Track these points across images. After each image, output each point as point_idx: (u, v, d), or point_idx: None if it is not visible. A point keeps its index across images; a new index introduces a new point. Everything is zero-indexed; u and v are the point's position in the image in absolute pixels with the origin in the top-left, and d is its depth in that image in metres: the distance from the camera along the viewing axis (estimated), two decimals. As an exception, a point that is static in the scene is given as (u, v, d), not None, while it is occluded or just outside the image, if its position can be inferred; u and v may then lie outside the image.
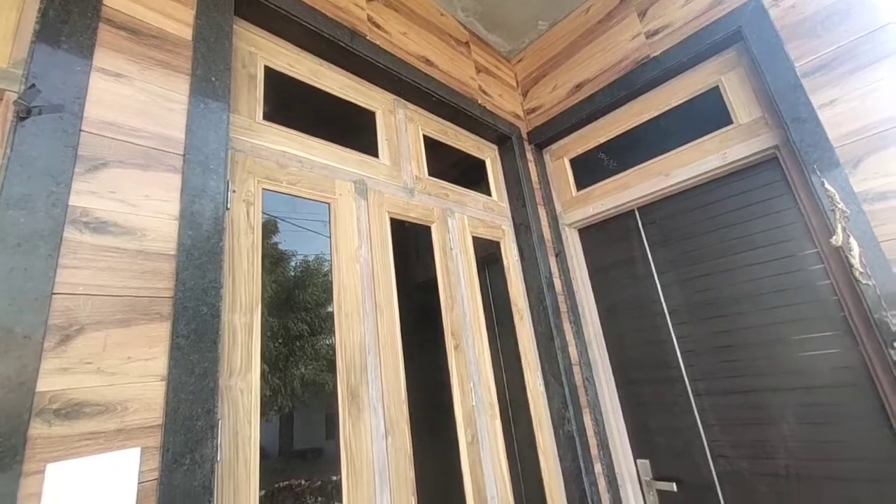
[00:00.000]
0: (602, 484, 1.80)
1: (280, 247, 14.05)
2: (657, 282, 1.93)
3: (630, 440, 1.93)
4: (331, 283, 1.31)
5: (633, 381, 1.96)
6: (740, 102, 1.70)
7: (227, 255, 1.08)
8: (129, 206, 0.89)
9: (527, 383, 1.86)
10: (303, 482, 10.61)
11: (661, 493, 1.81)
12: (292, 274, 14.06)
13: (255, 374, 1.06)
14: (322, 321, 12.84)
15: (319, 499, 9.98)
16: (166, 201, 0.94)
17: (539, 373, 1.90)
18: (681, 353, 1.83)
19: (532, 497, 1.77)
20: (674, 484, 1.76)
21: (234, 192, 1.17)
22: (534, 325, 1.96)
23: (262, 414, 1.04)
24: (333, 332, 1.27)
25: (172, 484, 0.79)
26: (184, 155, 1.00)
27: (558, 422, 1.82)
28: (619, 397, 1.98)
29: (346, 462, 1.17)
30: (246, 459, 0.98)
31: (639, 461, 1.89)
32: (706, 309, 1.78)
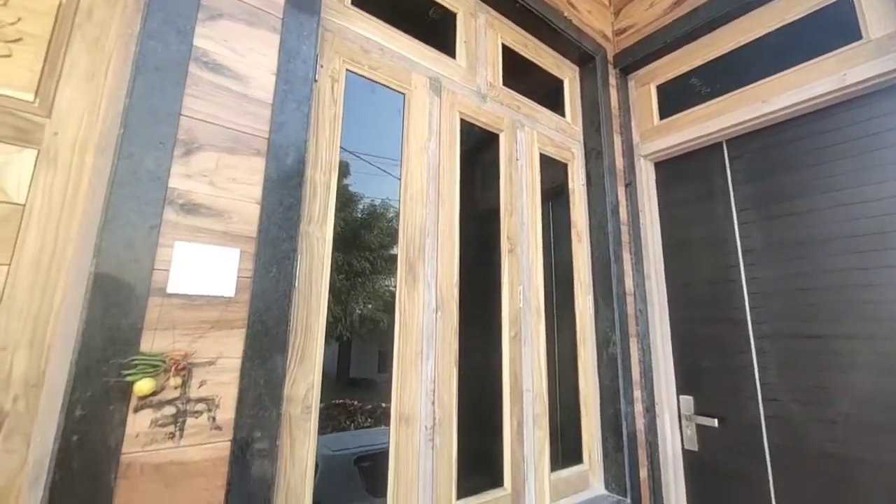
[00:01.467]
0: (639, 409, 1.83)
1: (350, 188, 14.67)
2: (735, 220, 1.81)
3: (676, 375, 1.91)
4: (399, 177, 1.40)
5: (689, 320, 1.90)
6: (876, 12, 1.47)
7: (312, 119, 1.19)
8: (237, 54, 1.02)
9: (576, 301, 1.89)
10: (356, 403, 11.73)
11: (700, 427, 1.80)
12: (359, 216, 14.74)
13: (329, 226, 1.19)
14: (384, 262, 13.51)
15: (369, 419, 10.99)
16: (266, 56, 1.06)
17: (591, 295, 1.91)
18: (748, 294, 1.74)
19: (566, 402, 1.84)
20: (715, 420, 1.74)
21: (321, 66, 1.27)
22: (591, 249, 1.95)
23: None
24: (398, 216, 1.37)
25: (262, 285, 0.95)
26: (282, 18, 1.10)
27: (603, 343, 1.85)
28: (671, 333, 1.95)
29: (399, 324, 1.31)
30: (318, 295, 1.14)
31: (682, 396, 1.87)
32: (787, 250, 1.65)
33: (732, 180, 1.85)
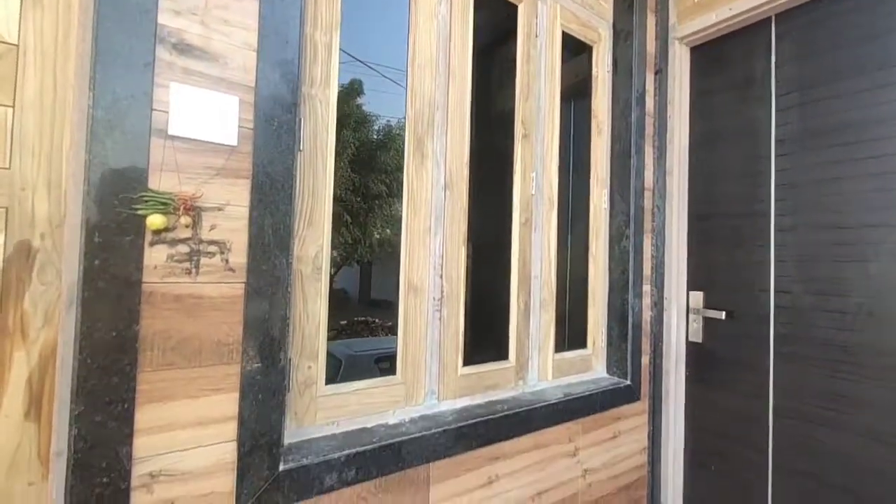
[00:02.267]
0: (647, 302, 1.85)
1: (364, 108, 14.12)
2: (773, 105, 1.67)
3: (688, 272, 1.90)
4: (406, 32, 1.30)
5: (708, 217, 1.85)
6: None
7: (310, -33, 1.09)
8: None
9: (591, 195, 1.84)
10: (377, 321, 12.46)
11: (707, 319, 1.82)
12: (375, 137, 14.34)
13: (333, 91, 1.14)
14: (399, 185, 13.40)
15: (389, 334, 11.70)
16: None
17: (607, 189, 1.85)
18: (775, 185, 1.65)
19: (575, 291, 1.88)
20: (723, 313, 1.76)
21: None
22: (612, 142, 1.85)
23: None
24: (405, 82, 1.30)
25: (265, 137, 0.94)
26: None
27: (616, 237, 1.82)
28: (688, 230, 1.90)
29: (407, 199, 1.30)
30: (323, 160, 1.13)
31: (692, 293, 1.88)
32: (824, 137, 1.53)
33: (776, 62, 1.67)
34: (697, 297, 1.86)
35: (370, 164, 13.46)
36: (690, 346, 1.88)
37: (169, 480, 0.85)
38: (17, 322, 0.88)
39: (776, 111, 1.66)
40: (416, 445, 1.18)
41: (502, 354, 1.55)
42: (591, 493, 1.63)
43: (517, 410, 1.41)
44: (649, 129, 1.88)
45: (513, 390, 1.52)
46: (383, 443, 1.12)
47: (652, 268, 1.87)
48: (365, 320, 12.46)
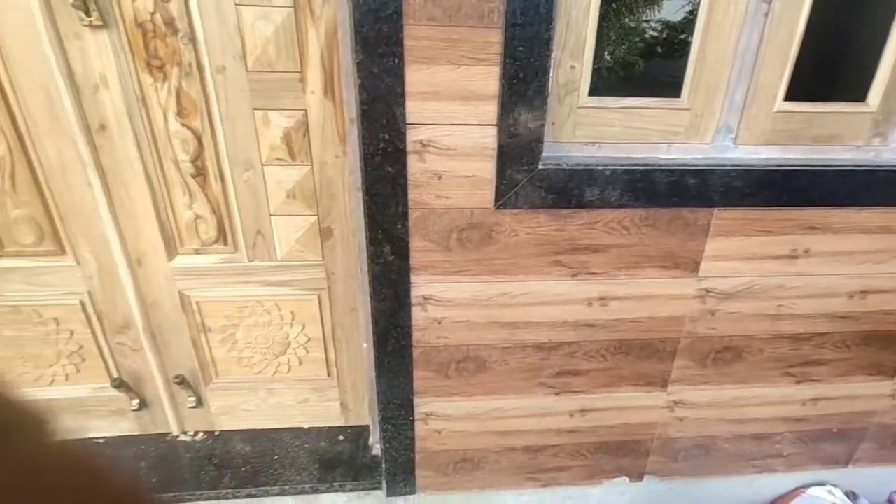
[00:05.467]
0: None
1: None
2: None
3: None
4: None
5: None
6: None
7: None
8: None
9: None
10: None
11: None
12: None
13: None
14: None
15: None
16: None
17: None
18: None
19: None
20: None
21: None
22: None
23: None
24: None
25: None
26: None
27: None
28: None
29: None
30: None
31: None
32: None
33: None
34: None
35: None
36: None
37: (437, 153, 0.85)
38: (306, -2, 0.92)
39: None
40: (699, 180, 0.91)
41: (854, 92, 1.00)
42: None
43: (867, 167, 0.93)
44: None
45: (862, 150, 1.01)
46: (658, 167, 0.90)
47: None
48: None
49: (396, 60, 0.77)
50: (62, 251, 1.09)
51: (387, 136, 0.82)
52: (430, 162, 0.85)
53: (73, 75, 0.92)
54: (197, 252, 1.12)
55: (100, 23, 0.88)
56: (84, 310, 1.15)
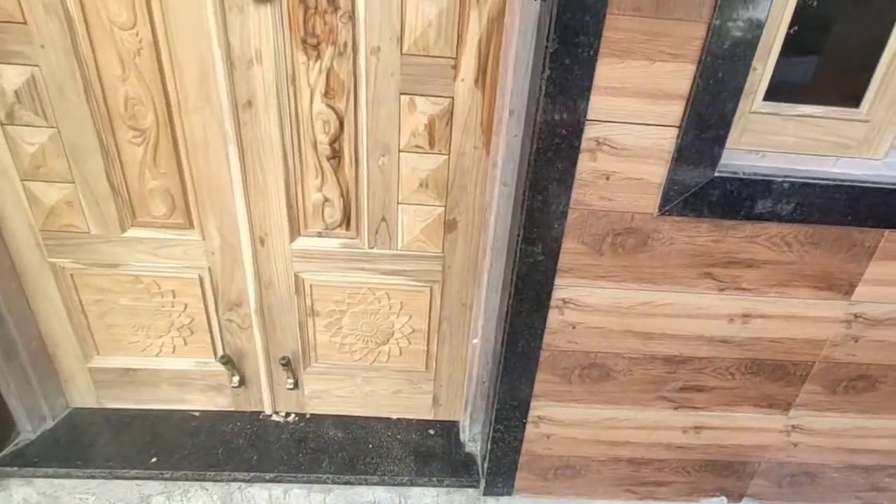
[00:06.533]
0: None
1: None
2: None
3: None
4: None
5: None
6: None
7: None
8: None
9: None
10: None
11: None
12: None
13: None
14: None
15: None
16: None
17: None
18: None
19: None
20: None
21: None
22: None
23: None
24: None
25: None
26: None
27: None
28: None
29: None
30: None
31: None
32: None
33: None
34: None
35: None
36: None
37: (610, 152, 0.81)
38: (474, -22, 0.88)
39: None
40: (880, 199, 0.86)
41: None
42: None
43: None
44: None
45: None
46: (838, 182, 0.84)
47: None
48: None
49: (591, 52, 0.73)
50: (190, 225, 1.09)
51: (563, 132, 0.78)
52: (601, 161, 0.81)
53: (231, 49, 0.91)
54: (319, 235, 1.11)
55: (266, -4, 0.86)
56: (201, 284, 1.15)
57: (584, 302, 0.95)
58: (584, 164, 0.82)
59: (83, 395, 1.29)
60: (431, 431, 1.33)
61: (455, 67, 0.94)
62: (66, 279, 1.13)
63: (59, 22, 0.87)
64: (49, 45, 0.89)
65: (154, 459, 1.16)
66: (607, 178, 0.83)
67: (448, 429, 1.34)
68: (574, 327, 0.97)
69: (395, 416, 1.36)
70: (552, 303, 0.94)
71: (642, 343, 1.00)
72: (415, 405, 1.35)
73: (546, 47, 0.73)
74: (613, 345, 1.00)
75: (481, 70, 0.94)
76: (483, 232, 1.07)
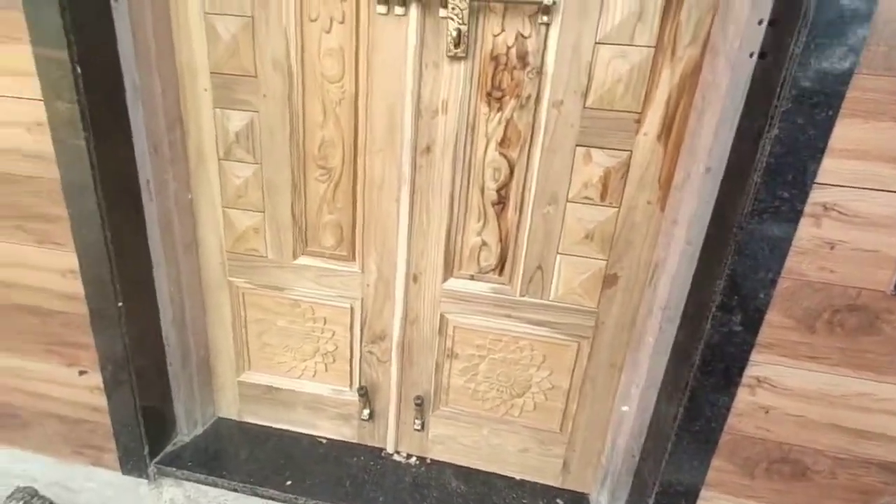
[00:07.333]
0: None
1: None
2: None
3: None
4: None
5: None
6: None
7: None
8: None
9: None
10: None
11: None
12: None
13: None
14: None
15: None
16: None
17: None
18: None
19: None
20: None
21: None
22: None
23: None
24: None
25: None
26: None
27: None
28: None
29: None
30: None
31: None
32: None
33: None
34: None
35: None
36: None
37: (838, 219, 0.72)
38: (671, 36, 0.87)
39: None
40: None
41: None
42: None
43: None
44: None
45: None
46: None
47: None
48: None
49: (830, 112, 0.67)
50: (352, 258, 1.15)
51: (785, 195, 0.71)
52: (826, 228, 0.72)
53: (420, 100, 0.98)
54: (471, 278, 1.11)
55: (462, 55, 0.92)
56: (351, 314, 1.20)
57: (784, 384, 0.82)
58: (806, 229, 0.73)
59: (229, 407, 1.38)
60: (560, 501, 1.22)
61: (639, 122, 0.92)
62: (238, 296, 1.24)
63: (282, 76, 1.01)
64: (270, 95, 1.03)
65: (289, 482, 1.19)
66: (832, 248, 0.73)
67: (577, 500, 1.22)
68: (767, 412, 0.85)
69: (518, 477, 1.27)
70: (744, 380, 0.83)
71: (852, 442, 0.84)
72: (541, 468, 1.25)
73: (776, 106, 0.68)
74: (814, 439, 0.85)
75: (666, 125, 0.91)
76: (649, 291, 1.00)
